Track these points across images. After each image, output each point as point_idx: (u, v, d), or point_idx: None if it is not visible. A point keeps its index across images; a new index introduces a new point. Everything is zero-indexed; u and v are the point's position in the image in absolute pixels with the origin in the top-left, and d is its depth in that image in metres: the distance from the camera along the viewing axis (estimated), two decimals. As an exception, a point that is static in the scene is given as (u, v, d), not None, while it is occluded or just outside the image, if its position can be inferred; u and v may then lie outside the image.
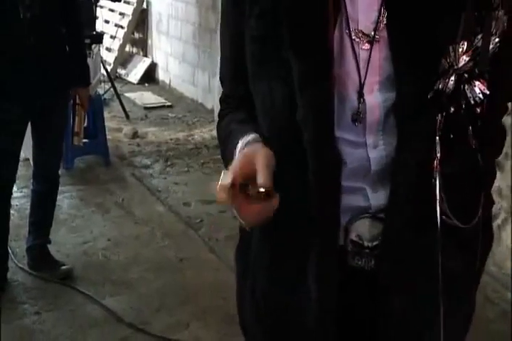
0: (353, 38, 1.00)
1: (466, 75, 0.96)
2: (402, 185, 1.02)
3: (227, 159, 1.09)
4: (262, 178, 0.93)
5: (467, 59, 0.95)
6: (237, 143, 1.07)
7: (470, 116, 0.98)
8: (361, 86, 1.01)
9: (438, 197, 1.00)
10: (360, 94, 1.01)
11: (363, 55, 1.00)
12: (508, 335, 2.48)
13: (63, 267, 2.97)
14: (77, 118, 3.09)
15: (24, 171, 3.58)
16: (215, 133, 4.88)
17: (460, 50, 0.95)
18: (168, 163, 4.52)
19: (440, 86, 0.97)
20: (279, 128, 1.07)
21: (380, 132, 1.02)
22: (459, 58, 0.95)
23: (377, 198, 1.06)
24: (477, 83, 0.96)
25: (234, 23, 1.12)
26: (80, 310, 2.75)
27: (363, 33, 1.00)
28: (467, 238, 1.09)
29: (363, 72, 1.00)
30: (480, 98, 0.96)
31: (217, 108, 5.05)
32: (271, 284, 1.16)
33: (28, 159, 3.39)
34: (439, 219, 1.01)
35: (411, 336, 1.12)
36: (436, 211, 1.00)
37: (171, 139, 5.04)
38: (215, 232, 3.54)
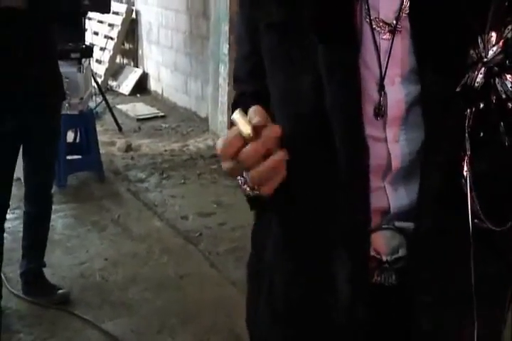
0: (374, 26, 0.95)
1: (496, 68, 0.89)
2: (430, 184, 0.97)
3: None
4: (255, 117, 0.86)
5: (497, 50, 0.89)
6: None
7: (501, 112, 0.91)
8: (382, 78, 0.95)
9: (469, 198, 0.93)
10: (381, 87, 0.96)
11: (383, 46, 0.95)
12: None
13: (60, 291, 2.87)
14: None
15: (16, 191, 3.48)
16: (210, 142, 4.81)
17: (489, 41, 0.89)
18: (164, 175, 4.43)
19: (468, 80, 0.91)
20: (305, 117, 1.01)
21: (402, 126, 0.97)
22: (488, 50, 0.89)
23: (397, 197, 1.00)
24: (508, 76, 0.89)
25: (252, 15, 1.07)
26: (79, 336, 2.65)
27: (384, 22, 0.95)
28: (501, 240, 1.03)
29: (383, 64, 0.95)
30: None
31: (211, 116, 4.96)
32: (292, 284, 1.11)
33: (19, 179, 3.30)
34: (471, 221, 0.94)
35: None
36: (467, 213, 0.94)
37: (166, 150, 4.95)
38: (215, 246, 3.45)
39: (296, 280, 1.10)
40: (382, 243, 1.02)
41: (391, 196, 1.01)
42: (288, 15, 1.00)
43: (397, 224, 1.02)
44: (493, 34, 0.89)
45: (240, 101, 1.18)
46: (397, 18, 0.95)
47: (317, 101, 0.97)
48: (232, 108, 1.19)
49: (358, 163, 0.98)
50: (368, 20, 0.96)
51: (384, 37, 0.96)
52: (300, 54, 0.99)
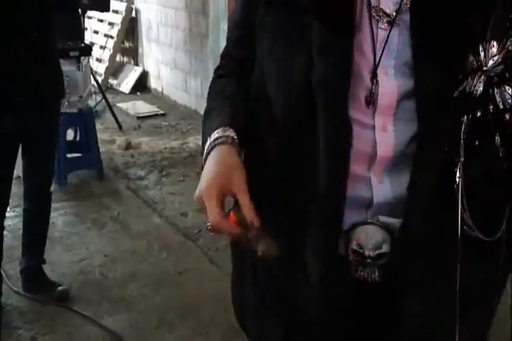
0: (373, 14, 0.96)
1: (496, 79, 0.90)
2: (423, 181, 0.97)
3: (202, 141, 1.09)
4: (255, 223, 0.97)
5: (497, 61, 0.90)
6: (209, 135, 1.06)
7: (498, 123, 0.92)
8: (375, 66, 0.96)
9: (460, 204, 0.94)
10: (374, 75, 0.96)
11: (380, 35, 0.96)
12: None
13: (59, 288, 2.89)
14: None
15: (16, 189, 3.49)
16: (209, 139, 4.62)
17: (490, 50, 0.90)
18: (163, 172, 4.45)
19: (467, 86, 0.92)
20: (296, 96, 1.02)
21: (392, 117, 0.98)
22: (488, 59, 0.90)
23: (382, 190, 1.01)
24: (507, 88, 0.90)
25: None
26: (78, 332, 2.67)
27: (384, 12, 0.96)
28: (490, 249, 1.03)
29: (378, 53, 0.96)
30: (509, 103, 0.90)
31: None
32: (272, 267, 1.12)
33: (20, 177, 3.33)
34: (460, 227, 0.95)
35: None
36: (457, 219, 0.95)
37: (165, 148, 4.97)
38: (214, 242, 3.46)
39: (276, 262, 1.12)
40: (366, 237, 1.02)
41: (375, 187, 1.01)
42: None
43: (382, 219, 1.02)
44: (495, 44, 0.90)
45: (225, 58, 1.22)
46: (398, 11, 0.96)
47: (308, 82, 0.99)
48: (220, 61, 1.23)
49: (339, 143, 0.99)
50: (367, 6, 0.97)
51: (382, 26, 0.97)
52: (298, 33, 1.00)
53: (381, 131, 0.99)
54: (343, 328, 1.08)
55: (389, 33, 0.96)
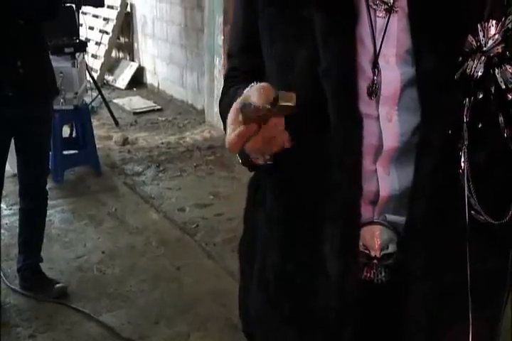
0: (370, 4, 0.96)
1: (496, 59, 0.90)
2: (425, 168, 0.95)
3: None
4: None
5: (497, 40, 0.89)
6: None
7: (501, 103, 0.91)
8: (376, 56, 0.95)
9: (466, 188, 0.93)
10: (375, 65, 0.95)
11: (379, 23, 0.96)
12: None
13: (57, 285, 2.89)
14: None
15: (13, 187, 3.50)
16: (206, 134, 4.77)
17: (489, 30, 0.89)
18: (161, 168, 4.44)
19: (468, 68, 0.90)
20: (300, 90, 0.96)
21: (396, 107, 0.96)
22: (487, 38, 0.89)
23: (389, 182, 0.98)
24: (508, 67, 0.89)
25: None
26: (77, 329, 2.67)
27: (381, 0, 0.95)
28: (499, 235, 1.00)
29: (378, 42, 0.95)
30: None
31: (207, 108, 4.94)
32: (283, 264, 1.09)
33: (17, 175, 3.32)
34: (468, 213, 0.93)
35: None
36: (463, 204, 0.93)
37: (162, 143, 4.96)
38: (212, 237, 3.47)
39: (288, 257, 1.09)
40: (372, 238, 1.00)
41: (382, 180, 0.99)
42: None
43: (389, 218, 1.00)
44: (493, 23, 0.89)
45: (230, 76, 1.19)
46: None
47: (312, 75, 0.97)
48: (224, 81, 1.20)
49: (351, 135, 0.96)
50: None
51: (380, 15, 0.96)
52: (297, 27, 0.99)
53: (386, 121, 0.97)
54: (355, 329, 1.05)
55: (387, 21, 0.95)
